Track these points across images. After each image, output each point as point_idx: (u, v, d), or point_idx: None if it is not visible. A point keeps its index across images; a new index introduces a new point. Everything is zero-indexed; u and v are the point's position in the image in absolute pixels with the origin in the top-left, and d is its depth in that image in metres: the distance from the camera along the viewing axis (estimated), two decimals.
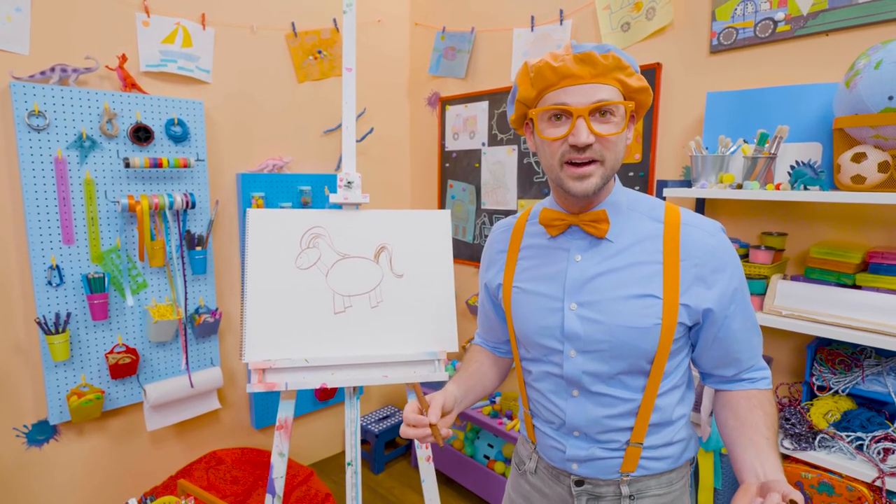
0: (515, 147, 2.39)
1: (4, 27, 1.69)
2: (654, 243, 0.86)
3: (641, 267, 0.85)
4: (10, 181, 1.75)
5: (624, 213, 0.89)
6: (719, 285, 0.85)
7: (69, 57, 1.81)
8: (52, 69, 1.76)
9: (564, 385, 0.92)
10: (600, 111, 0.80)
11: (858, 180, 1.28)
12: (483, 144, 2.52)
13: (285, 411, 1.48)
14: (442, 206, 2.78)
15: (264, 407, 2.41)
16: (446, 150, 2.71)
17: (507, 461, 2.28)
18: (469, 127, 2.58)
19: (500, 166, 2.46)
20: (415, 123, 2.89)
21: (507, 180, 2.44)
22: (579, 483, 0.94)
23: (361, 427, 2.66)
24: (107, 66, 1.88)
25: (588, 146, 0.80)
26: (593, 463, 0.92)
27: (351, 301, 1.57)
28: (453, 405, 0.95)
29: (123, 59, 1.88)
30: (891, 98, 1.18)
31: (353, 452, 1.59)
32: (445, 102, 2.67)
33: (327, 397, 2.58)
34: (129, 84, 1.91)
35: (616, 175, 0.89)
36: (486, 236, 2.58)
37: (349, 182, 1.61)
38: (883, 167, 1.25)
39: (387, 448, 2.75)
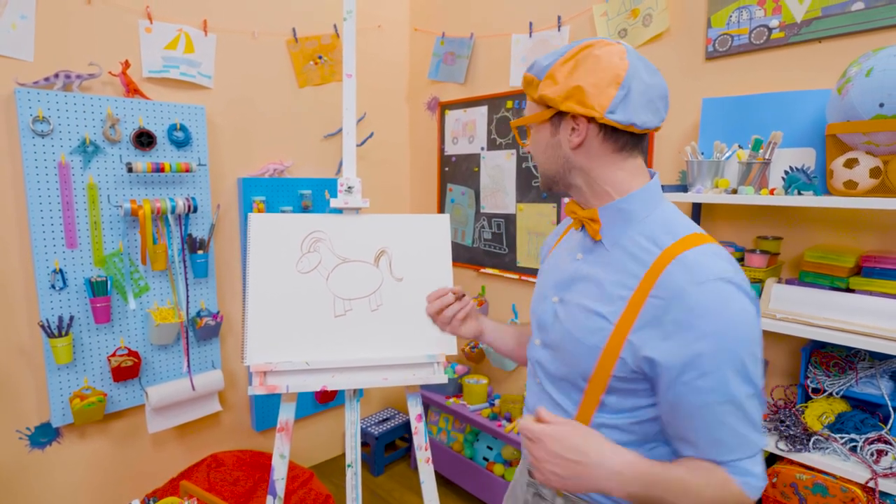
0: (514, 151, 2.41)
1: (9, 35, 1.72)
2: (640, 266, 0.77)
3: (614, 285, 0.79)
4: (15, 186, 1.77)
5: (635, 223, 0.81)
6: (674, 341, 0.71)
7: (73, 63, 1.83)
8: (56, 75, 1.78)
9: (532, 370, 0.96)
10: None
11: (851, 186, 1.30)
12: (482, 149, 2.55)
13: (286, 413, 1.50)
14: (441, 209, 2.80)
15: (265, 409, 2.42)
16: (445, 154, 2.73)
17: (507, 463, 2.30)
18: (468, 131, 2.60)
19: (498, 170, 2.48)
20: (414, 128, 2.92)
21: (505, 184, 2.46)
22: (531, 474, 0.94)
23: (361, 429, 2.68)
24: (110, 73, 1.90)
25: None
26: None
27: (351, 304, 1.59)
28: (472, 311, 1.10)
29: (126, 65, 1.90)
30: (881, 105, 1.20)
31: (354, 454, 1.60)
32: (445, 107, 2.70)
33: (327, 400, 2.60)
34: (132, 90, 1.93)
35: (642, 188, 0.82)
36: (485, 239, 2.60)
37: (350, 187, 1.63)
38: (874, 173, 1.27)
39: (387, 450, 2.77)
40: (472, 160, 2.60)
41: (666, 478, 0.72)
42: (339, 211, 1.67)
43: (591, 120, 0.78)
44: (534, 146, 0.87)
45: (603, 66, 0.76)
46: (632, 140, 0.81)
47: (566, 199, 0.79)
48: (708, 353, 0.70)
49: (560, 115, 0.81)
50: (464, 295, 1.08)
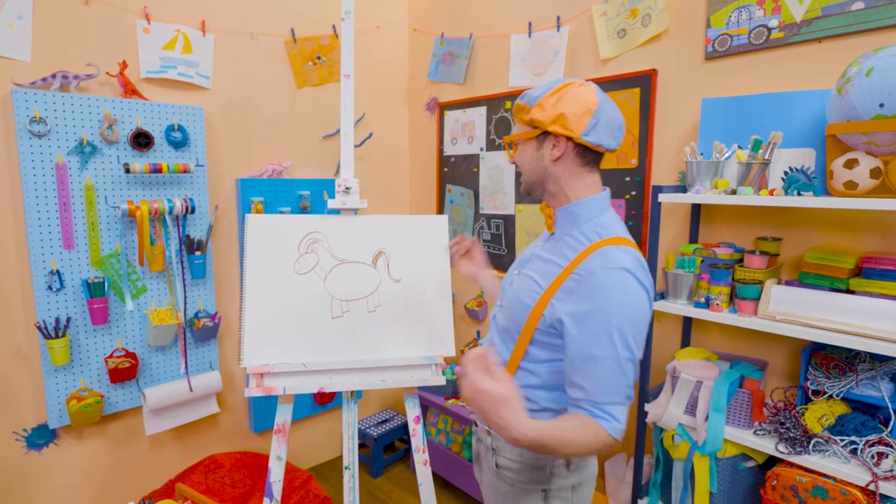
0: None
1: (6, 35, 1.71)
2: (571, 254, 1.03)
3: (550, 263, 1.05)
4: (12, 186, 1.77)
5: (580, 224, 1.06)
6: (580, 306, 0.96)
7: (70, 64, 1.83)
8: (54, 76, 1.77)
9: (491, 327, 1.20)
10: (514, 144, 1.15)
11: (851, 186, 1.29)
12: (481, 149, 2.54)
13: (283, 415, 1.49)
14: (441, 210, 2.79)
15: (263, 411, 2.41)
16: (445, 154, 2.73)
17: None
18: (467, 132, 2.59)
19: (498, 171, 2.48)
20: (414, 128, 2.91)
21: (504, 185, 2.45)
22: (475, 423, 1.22)
23: (361, 431, 2.67)
24: (107, 73, 1.89)
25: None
26: None
27: (349, 306, 1.58)
28: (479, 254, 1.51)
29: (124, 65, 1.90)
30: (882, 105, 1.19)
31: (351, 456, 1.59)
32: (444, 108, 2.69)
33: (326, 401, 2.59)
34: (130, 90, 1.93)
35: (591, 197, 1.07)
36: (484, 240, 2.59)
37: (347, 188, 1.62)
38: (875, 173, 1.26)
39: (386, 452, 2.76)
40: (472, 161, 2.59)
41: (552, 432, 0.89)
42: (336, 212, 1.66)
43: (569, 139, 1.04)
44: (520, 157, 1.13)
45: (580, 100, 1.02)
46: (595, 158, 1.08)
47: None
48: (601, 320, 0.94)
49: (545, 135, 1.07)
50: (472, 240, 1.51)
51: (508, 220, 2.46)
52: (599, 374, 0.94)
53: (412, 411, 1.58)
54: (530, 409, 1.06)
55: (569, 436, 0.91)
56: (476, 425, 1.24)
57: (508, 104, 2.40)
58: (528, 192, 1.14)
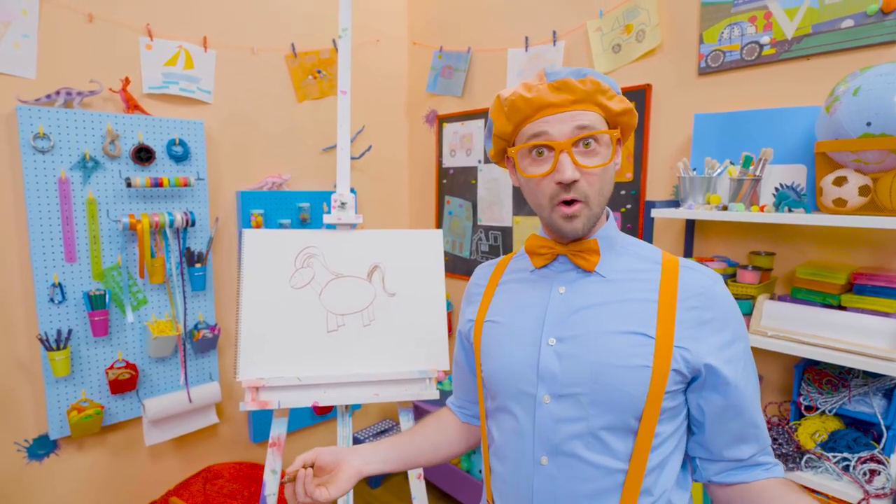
0: None
1: (12, 53, 1.75)
2: (650, 282, 0.77)
3: (633, 303, 0.75)
4: (15, 201, 1.80)
5: (617, 249, 0.82)
6: (721, 337, 0.74)
7: (74, 80, 1.87)
8: (58, 92, 1.81)
9: (531, 449, 0.76)
10: (584, 142, 0.74)
11: (840, 203, 1.30)
12: (479, 161, 2.56)
13: (278, 429, 1.51)
14: (439, 222, 2.81)
15: (263, 421, 2.43)
16: (444, 166, 2.75)
17: None
18: (465, 144, 2.62)
19: (495, 183, 2.49)
20: (413, 141, 2.94)
21: (502, 197, 2.47)
22: None
23: (360, 441, 2.68)
24: (110, 89, 1.93)
25: (575, 181, 0.73)
26: None
27: (344, 320, 1.59)
28: (333, 461, 0.85)
29: (126, 81, 1.94)
30: (869, 124, 1.20)
31: None
32: (443, 120, 2.72)
33: (326, 412, 2.60)
34: (132, 106, 1.96)
35: (610, 212, 0.84)
36: (482, 252, 2.60)
37: (343, 203, 1.64)
38: (863, 191, 1.27)
39: None
40: (470, 173, 2.61)
41: None
42: (332, 227, 1.68)
43: (618, 144, 0.80)
44: (605, 167, 0.76)
45: None
46: None
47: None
48: (743, 346, 0.77)
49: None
50: (301, 471, 0.85)
51: (506, 232, 2.47)
52: (758, 411, 0.77)
53: (406, 425, 1.59)
54: None
55: None
56: None
57: None
58: (594, 221, 0.78)
